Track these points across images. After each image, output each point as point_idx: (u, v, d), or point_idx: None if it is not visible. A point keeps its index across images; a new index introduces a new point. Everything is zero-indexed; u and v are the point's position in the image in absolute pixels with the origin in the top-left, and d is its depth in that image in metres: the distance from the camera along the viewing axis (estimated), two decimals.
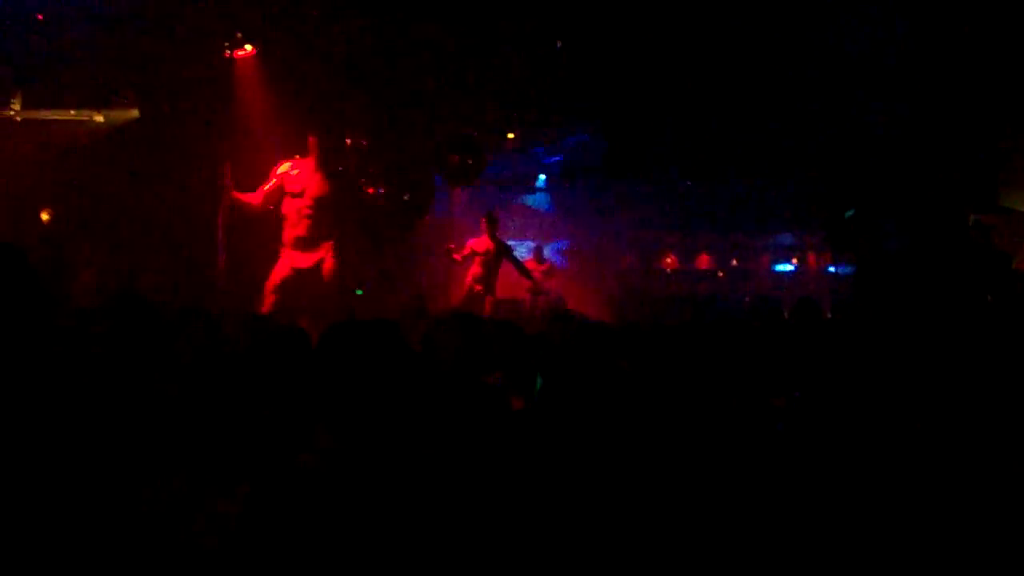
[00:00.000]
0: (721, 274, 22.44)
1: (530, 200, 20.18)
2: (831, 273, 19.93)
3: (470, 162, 14.78)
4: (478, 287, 13.71)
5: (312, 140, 10.27)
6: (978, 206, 11.12)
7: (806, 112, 14.33)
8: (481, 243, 13.87)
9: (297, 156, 10.36)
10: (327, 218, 10.19)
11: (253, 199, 9.92)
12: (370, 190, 13.17)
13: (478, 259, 13.79)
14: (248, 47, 11.14)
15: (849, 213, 13.00)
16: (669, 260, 22.85)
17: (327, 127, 11.43)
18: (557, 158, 19.14)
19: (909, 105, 12.56)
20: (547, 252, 18.51)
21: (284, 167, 10.16)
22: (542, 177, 19.72)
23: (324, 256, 10.20)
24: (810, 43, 12.99)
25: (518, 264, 14.32)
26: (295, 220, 10.03)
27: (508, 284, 15.44)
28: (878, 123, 13.14)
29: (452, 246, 13.85)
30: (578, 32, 13.31)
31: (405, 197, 13.99)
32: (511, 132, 16.91)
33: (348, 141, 13.20)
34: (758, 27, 12.79)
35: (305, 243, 10.05)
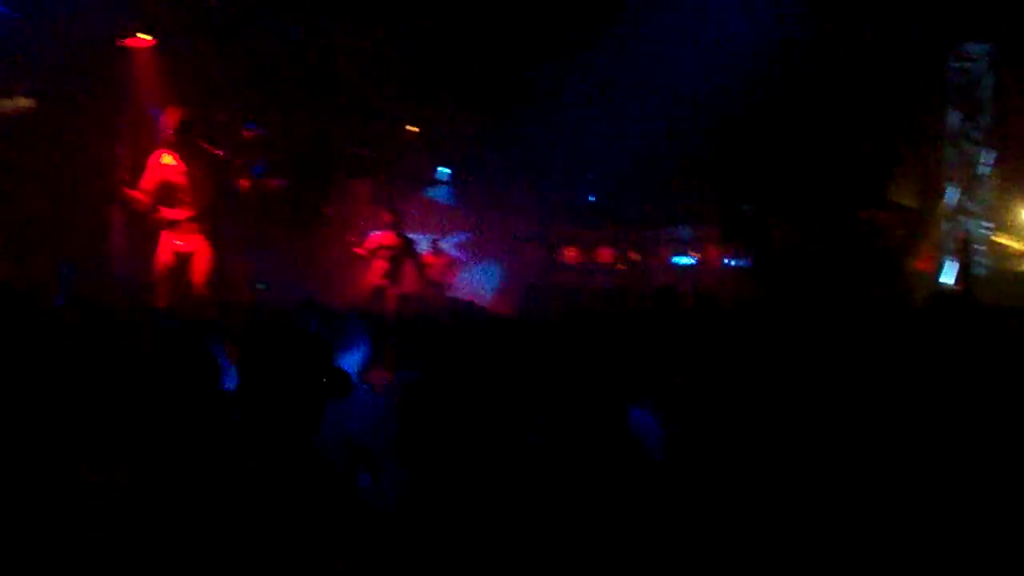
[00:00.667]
0: (622, 267, 22.71)
1: (431, 193, 20.14)
2: (729, 266, 20.32)
3: (372, 154, 14.76)
4: (383, 282, 13.62)
5: (177, 118, 9.62)
6: (868, 202, 11.53)
7: (704, 107, 14.64)
8: (386, 237, 13.80)
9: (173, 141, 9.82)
10: (205, 203, 9.78)
11: (141, 196, 9.44)
12: (271, 183, 13.06)
13: (383, 253, 13.70)
14: (145, 36, 10.87)
15: (744, 207, 13.33)
16: (570, 253, 23.03)
17: (227, 117, 11.32)
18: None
19: (804, 103, 12.92)
20: (444, 245, 18.55)
21: (164, 158, 9.61)
22: (443, 170, 19.68)
23: (201, 244, 9.86)
24: (707, 40, 13.31)
25: (417, 259, 14.21)
26: (173, 204, 9.59)
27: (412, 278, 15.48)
28: (773, 120, 13.49)
29: (354, 239, 13.76)
30: (470, 27, 13.44)
31: (305, 189, 13.90)
32: (413, 125, 16.94)
33: (248, 133, 13.08)
34: (655, 22, 13.05)
35: (182, 228, 9.63)
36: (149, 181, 9.21)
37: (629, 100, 15.97)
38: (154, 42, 10.91)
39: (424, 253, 17.54)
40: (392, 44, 13.58)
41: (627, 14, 13.46)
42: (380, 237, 13.80)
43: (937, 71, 12.74)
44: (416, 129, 17.27)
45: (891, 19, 12.13)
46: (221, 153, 9.90)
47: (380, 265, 13.63)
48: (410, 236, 14.28)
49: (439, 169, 19.64)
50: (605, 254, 22.94)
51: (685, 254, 23.64)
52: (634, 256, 23.18)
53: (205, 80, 11.42)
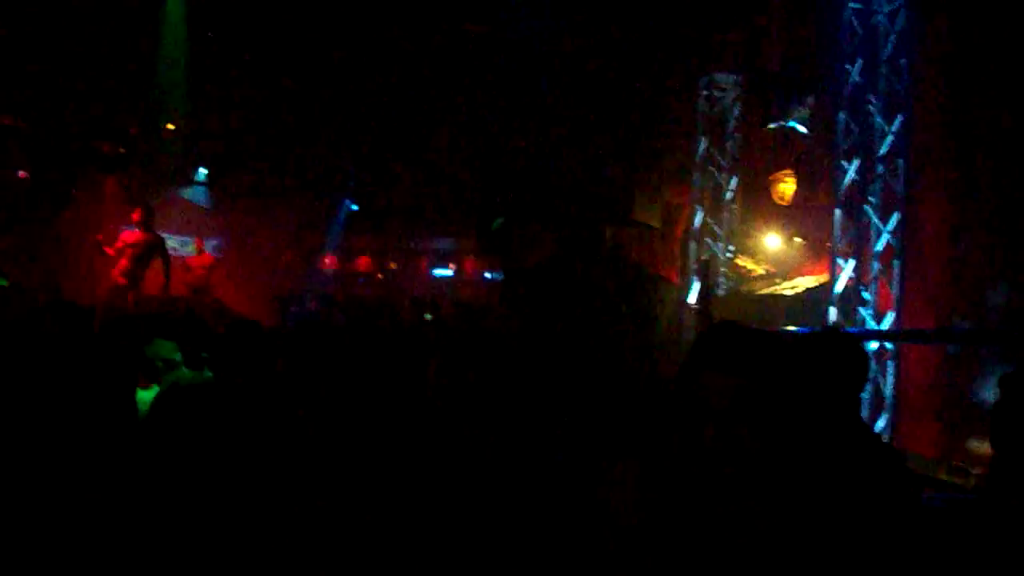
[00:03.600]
0: (379, 276, 22.59)
1: (188, 193, 19.34)
2: (487, 279, 20.52)
3: (122, 151, 14.07)
4: (122, 280, 12.90)
5: None
6: (614, 220, 11.84)
7: (466, 122, 14.78)
8: (132, 235, 13.11)
9: None
10: None
11: None
12: (7, 175, 12.17)
13: (128, 251, 13.00)
14: None
15: (497, 222, 13.46)
16: (328, 260, 22.74)
17: None
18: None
19: (560, 121, 13.19)
20: (208, 247, 17.88)
21: None
22: (202, 170, 18.97)
23: None
24: (465, 51, 13.41)
25: (166, 261, 13.50)
26: None
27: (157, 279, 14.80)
28: (530, 138, 13.72)
29: (100, 237, 13.00)
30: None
31: (49, 183, 13.03)
32: (170, 123, 16.31)
33: None
34: (415, 29, 13.05)
35: None
36: None
37: (394, 110, 15.92)
38: None
39: (187, 256, 16.87)
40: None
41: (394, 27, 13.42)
42: (127, 235, 13.10)
43: (689, 99, 13.27)
44: (173, 126, 16.63)
45: (648, 47, 12.55)
46: None
47: (122, 264, 12.90)
48: (161, 235, 13.61)
49: (199, 169, 18.89)
50: (364, 262, 22.76)
51: (444, 266, 23.82)
52: (393, 266, 23.14)
53: None
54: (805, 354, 2.52)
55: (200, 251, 17.07)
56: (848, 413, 2.54)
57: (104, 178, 15.35)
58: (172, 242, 17.59)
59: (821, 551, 2.13)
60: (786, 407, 2.38)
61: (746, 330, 3.20)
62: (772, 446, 2.28)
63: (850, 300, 9.37)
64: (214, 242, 18.88)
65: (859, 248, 9.33)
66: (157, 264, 13.26)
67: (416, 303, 16.62)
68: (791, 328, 9.28)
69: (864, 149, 9.33)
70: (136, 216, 13.19)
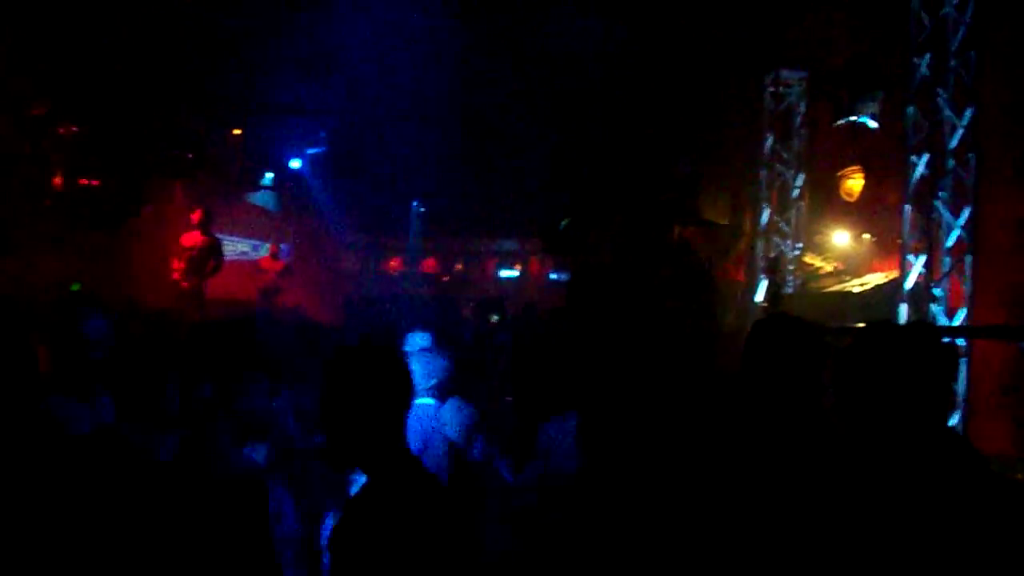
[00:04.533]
0: (446, 278, 22.75)
1: (256, 198, 19.67)
2: (552, 280, 20.58)
3: (190, 156, 14.32)
4: (184, 284, 13.18)
5: None
6: (682, 219, 11.82)
7: (527, 123, 14.83)
8: (190, 238, 13.39)
9: None
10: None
11: None
12: (82, 181, 12.43)
13: (186, 255, 13.28)
14: None
15: (564, 223, 13.50)
16: (394, 263, 22.96)
17: (40, 112, 10.74)
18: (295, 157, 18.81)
19: (623, 121, 13.19)
20: (283, 252, 18.19)
21: None
22: (269, 175, 19.28)
23: None
24: (528, 54, 13.46)
25: (218, 264, 13.70)
26: None
27: (230, 282, 15.06)
28: (595, 138, 13.73)
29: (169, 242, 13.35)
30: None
31: (119, 189, 13.29)
32: (237, 128, 16.58)
33: (61, 130, 12.44)
34: (477, 36, 13.13)
35: None
36: None
37: (460, 111, 16.03)
38: None
39: (262, 257, 17.17)
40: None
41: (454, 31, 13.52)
42: (185, 238, 13.38)
43: (755, 96, 13.20)
44: (239, 131, 16.91)
45: (712, 44, 12.51)
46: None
47: (182, 267, 13.20)
48: (218, 237, 13.85)
49: (265, 174, 19.20)
50: (430, 264, 22.95)
51: (509, 266, 23.92)
52: (459, 267, 23.29)
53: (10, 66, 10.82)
54: (886, 348, 2.38)
55: (274, 255, 17.35)
56: (936, 414, 2.39)
57: (173, 184, 15.66)
58: (243, 246, 17.92)
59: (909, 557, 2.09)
60: (864, 405, 2.31)
61: (801, 323, 3.19)
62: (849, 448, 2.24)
63: (921, 297, 9.24)
64: (284, 246, 19.19)
65: (929, 244, 9.20)
66: (211, 266, 13.53)
67: (482, 305, 16.71)
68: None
69: (934, 143, 9.20)
70: (195, 218, 13.47)
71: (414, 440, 4.14)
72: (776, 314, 3.35)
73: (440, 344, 6.00)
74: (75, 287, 11.77)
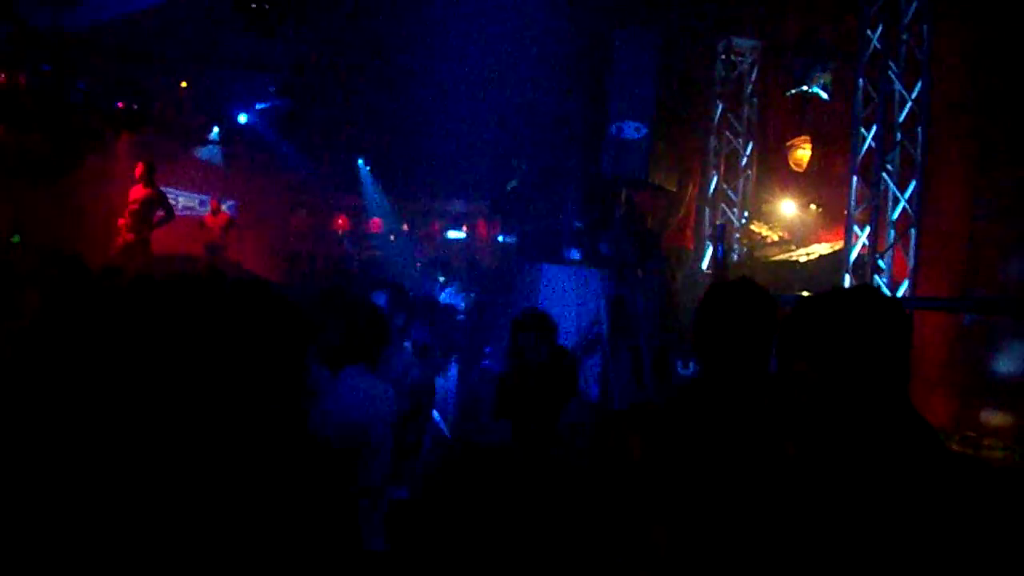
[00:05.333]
0: (392, 238, 22.61)
1: (202, 152, 19.37)
2: (500, 242, 20.52)
3: (135, 108, 14.05)
4: (129, 237, 12.93)
5: None
6: (630, 182, 11.79)
7: (475, 83, 14.71)
8: (134, 191, 13.14)
9: None
10: None
11: None
12: (21, 135, 12.15)
13: (129, 207, 13.03)
14: None
15: (511, 184, 13.43)
16: (341, 222, 22.77)
17: None
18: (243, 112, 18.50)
19: (572, 84, 13.11)
20: (225, 206, 17.93)
21: None
22: (216, 130, 18.98)
23: None
24: (484, 17, 13.33)
25: (168, 215, 13.46)
26: None
27: (178, 237, 14.84)
28: (542, 100, 13.65)
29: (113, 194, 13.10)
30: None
31: (61, 143, 13.01)
32: (183, 80, 16.30)
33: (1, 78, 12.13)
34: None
35: None
36: None
37: (409, 68, 15.87)
38: None
39: (204, 215, 16.95)
40: None
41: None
42: (131, 191, 13.15)
43: (707, 63, 13.18)
44: (185, 84, 16.64)
45: (666, 10, 12.45)
46: None
47: (126, 221, 12.98)
48: (162, 190, 13.63)
49: (213, 128, 18.93)
50: (375, 224, 22.77)
51: (457, 227, 23.82)
52: (405, 228, 23.15)
53: None
54: (843, 315, 2.19)
55: (216, 211, 17.12)
56: (899, 388, 2.26)
57: (117, 137, 15.36)
58: (188, 200, 17.66)
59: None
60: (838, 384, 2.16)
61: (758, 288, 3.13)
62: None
63: (865, 268, 9.33)
64: (230, 202, 18.95)
65: (875, 216, 9.27)
66: (186, 223, 13.35)
67: (428, 265, 16.68)
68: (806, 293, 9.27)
69: (883, 116, 9.25)
70: (137, 172, 13.22)
71: None
72: (738, 279, 3.28)
73: (396, 303, 6.12)
74: (15, 239, 11.53)
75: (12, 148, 11.98)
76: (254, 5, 12.52)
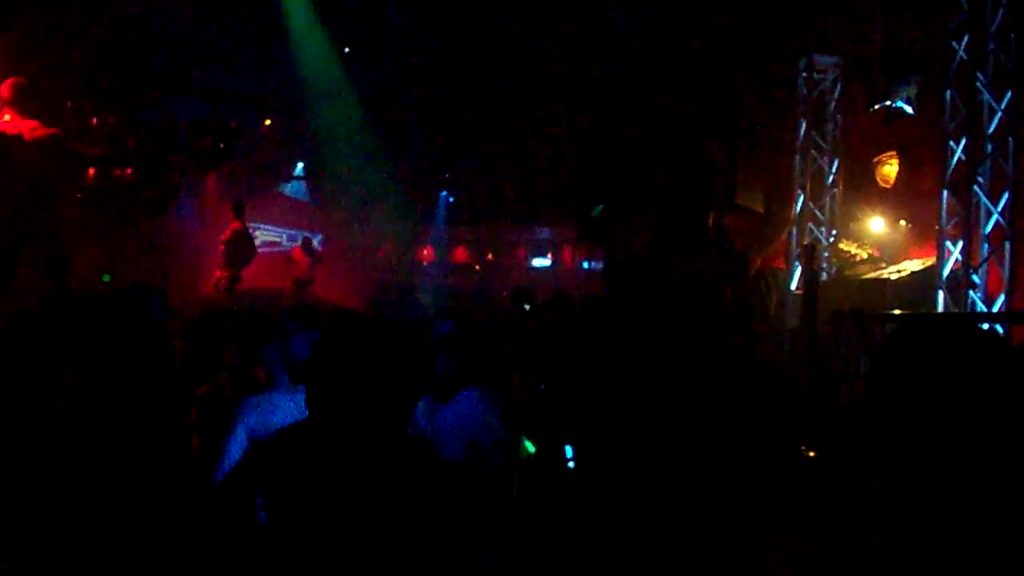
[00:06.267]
0: (477, 267, 22.76)
1: (288, 188, 19.77)
2: (585, 268, 20.53)
3: (221, 146, 14.40)
4: (219, 273, 13.29)
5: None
6: (718, 206, 11.74)
7: (559, 109, 14.78)
8: (228, 231, 13.51)
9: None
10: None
11: None
12: (116, 172, 12.50)
13: (220, 246, 13.40)
14: None
15: (597, 209, 13.44)
16: (426, 252, 23.00)
17: (72, 106, 10.77)
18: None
19: (657, 108, 13.11)
20: (316, 243, 18.28)
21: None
22: (300, 165, 19.37)
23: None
24: (565, 43, 13.41)
25: (250, 253, 13.76)
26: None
27: (263, 272, 15.14)
28: (627, 125, 13.66)
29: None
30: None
31: (152, 181, 13.36)
32: (267, 118, 16.64)
33: (94, 120, 12.50)
34: (513, 25, 13.09)
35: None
36: None
37: (490, 99, 16.01)
38: None
39: (292, 249, 17.29)
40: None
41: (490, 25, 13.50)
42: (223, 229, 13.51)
43: (789, 81, 13.08)
44: (270, 122, 16.99)
45: (746, 28, 12.40)
46: (58, 131, 9.37)
47: (218, 259, 13.31)
48: (248, 227, 13.95)
49: (297, 164, 19.30)
50: (460, 254, 22.96)
51: (542, 255, 23.90)
52: (490, 256, 23.29)
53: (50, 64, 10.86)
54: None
55: (307, 247, 17.44)
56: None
57: (205, 175, 15.75)
58: (275, 236, 18.02)
59: None
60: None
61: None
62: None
63: (959, 284, 9.15)
64: (317, 235, 19.29)
65: (967, 230, 9.10)
66: (255, 257, 13.63)
67: (516, 293, 16.71)
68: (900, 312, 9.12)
69: (972, 128, 9.08)
70: (230, 209, 13.58)
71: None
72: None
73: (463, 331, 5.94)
74: (106, 278, 11.86)
75: (106, 188, 12.33)
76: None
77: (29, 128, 8.77)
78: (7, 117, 8.81)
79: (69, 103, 11.10)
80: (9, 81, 8.86)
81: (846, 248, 12.15)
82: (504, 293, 19.29)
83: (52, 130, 9.19)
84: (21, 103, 8.76)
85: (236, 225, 13.46)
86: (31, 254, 8.73)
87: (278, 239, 18.83)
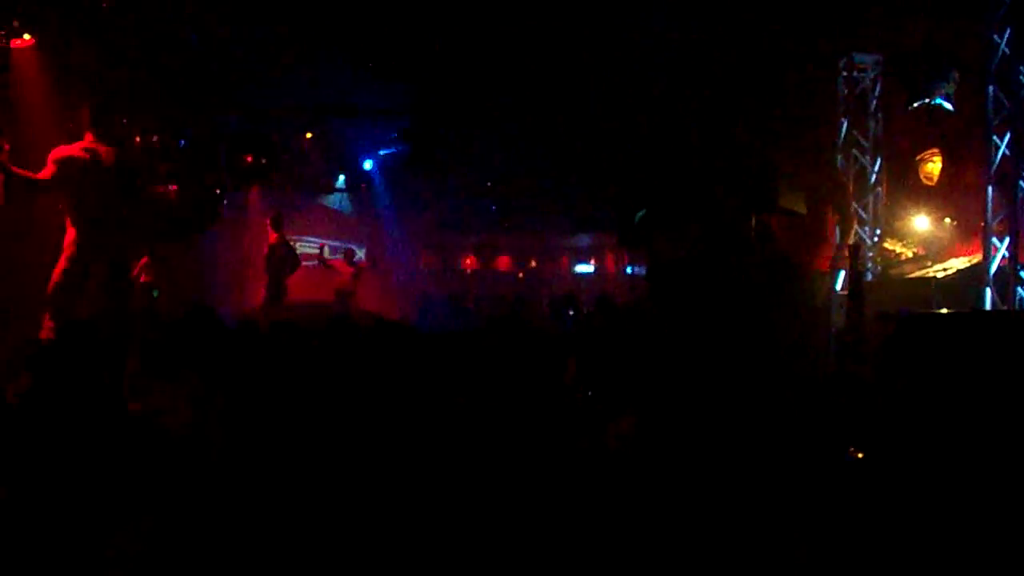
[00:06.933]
0: (520, 275, 22.79)
1: (329, 200, 19.93)
2: (628, 274, 20.48)
3: (263, 161, 14.54)
4: (263, 288, 13.44)
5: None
6: (760, 208, 11.65)
7: (598, 115, 14.77)
8: (268, 241, 13.64)
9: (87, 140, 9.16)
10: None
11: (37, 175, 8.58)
12: (159, 189, 12.67)
13: (263, 260, 13.54)
14: (26, 36, 10.20)
15: (639, 214, 13.41)
16: (469, 261, 23.05)
17: (113, 122, 10.94)
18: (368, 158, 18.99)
19: (696, 111, 13.08)
20: (360, 254, 18.42)
21: (70, 151, 8.84)
22: (342, 177, 19.51)
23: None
24: (603, 49, 13.42)
25: (292, 266, 13.86)
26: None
27: (311, 286, 15.26)
28: (667, 129, 13.64)
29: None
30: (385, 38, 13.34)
31: (195, 197, 13.53)
32: (308, 132, 16.78)
33: (137, 139, 12.68)
34: (552, 33, 13.11)
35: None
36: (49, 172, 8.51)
37: (529, 109, 16.04)
38: (33, 41, 10.31)
39: (335, 259, 17.43)
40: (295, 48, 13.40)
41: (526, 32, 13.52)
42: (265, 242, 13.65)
43: (829, 80, 13.00)
44: (310, 135, 17.12)
45: (784, 28, 12.35)
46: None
47: (260, 272, 13.45)
48: (288, 239, 14.06)
49: (339, 176, 19.44)
50: (503, 262, 22.99)
51: (585, 262, 23.88)
52: (533, 264, 23.30)
53: (91, 83, 11.02)
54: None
55: (349, 259, 17.57)
56: None
57: (247, 189, 15.93)
58: (314, 248, 18.18)
59: None
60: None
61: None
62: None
63: (1006, 280, 9.05)
64: (360, 247, 19.43)
65: (1014, 226, 9.00)
66: (288, 268, 13.73)
67: (556, 302, 16.73)
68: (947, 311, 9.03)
69: (1016, 122, 8.99)
70: (268, 223, 13.72)
71: None
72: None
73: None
74: (155, 294, 12.03)
75: (152, 204, 12.49)
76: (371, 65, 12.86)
77: (107, 150, 8.91)
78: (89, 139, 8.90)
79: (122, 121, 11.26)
80: (88, 103, 9.05)
81: (891, 247, 12.05)
82: (545, 304, 19.34)
83: (131, 151, 9.40)
84: (100, 125, 8.92)
85: (274, 238, 13.58)
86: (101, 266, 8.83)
87: (317, 251, 19.04)
